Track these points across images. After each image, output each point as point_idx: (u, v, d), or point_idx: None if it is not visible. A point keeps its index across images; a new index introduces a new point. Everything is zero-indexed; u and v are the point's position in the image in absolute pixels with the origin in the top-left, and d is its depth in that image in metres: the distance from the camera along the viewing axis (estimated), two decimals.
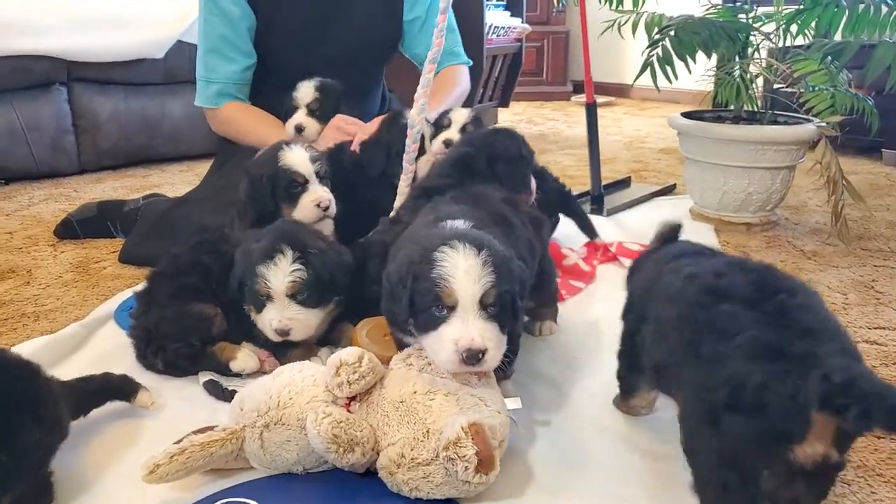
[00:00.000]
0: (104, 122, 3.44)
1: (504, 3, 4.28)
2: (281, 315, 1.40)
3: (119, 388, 1.33)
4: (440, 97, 2.21)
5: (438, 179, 1.66)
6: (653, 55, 2.40)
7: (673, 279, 1.11)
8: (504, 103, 4.70)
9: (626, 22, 2.56)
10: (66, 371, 1.53)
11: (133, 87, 3.52)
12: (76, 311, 1.87)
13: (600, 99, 6.05)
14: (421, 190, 1.66)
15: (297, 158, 1.70)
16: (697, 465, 0.99)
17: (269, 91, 2.26)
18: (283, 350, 1.49)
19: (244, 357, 1.46)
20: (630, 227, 2.58)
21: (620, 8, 2.61)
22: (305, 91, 2.14)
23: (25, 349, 1.51)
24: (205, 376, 1.46)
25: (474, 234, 1.17)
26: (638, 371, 1.23)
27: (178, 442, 1.11)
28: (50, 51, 3.14)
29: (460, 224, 1.24)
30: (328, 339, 1.57)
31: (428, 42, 2.38)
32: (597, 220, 2.58)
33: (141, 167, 3.63)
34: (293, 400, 1.16)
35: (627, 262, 2.09)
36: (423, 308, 1.13)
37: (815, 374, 0.84)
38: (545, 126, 5.00)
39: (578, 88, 6.67)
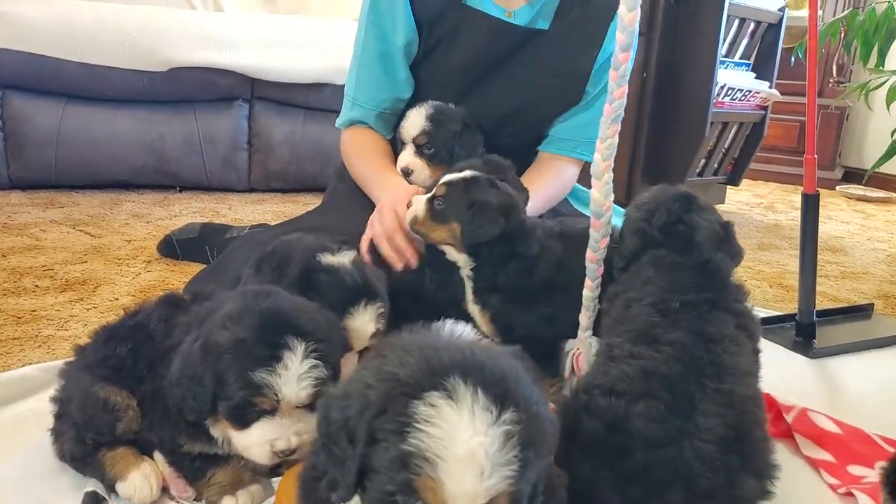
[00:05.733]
0: (277, 144, 3.38)
1: (749, 62, 3.48)
2: None
3: None
4: (536, 188, 1.64)
5: None
6: None
7: None
8: (734, 181, 3.87)
9: (877, 87, 1.74)
10: None
11: (312, 112, 3.43)
12: None
13: (876, 193, 4.85)
14: None
15: (364, 322, 1.23)
16: None
17: None
18: (203, 471, 1.07)
19: (136, 479, 1.05)
20: (841, 384, 1.70)
21: (881, 68, 1.79)
22: (413, 121, 1.70)
23: None
24: (92, 485, 1.08)
25: (495, 364, 0.67)
26: None
27: None
28: (234, 66, 3.13)
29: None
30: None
31: (575, 126, 1.85)
32: (795, 363, 1.80)
33: (308, 194, 3.52)
34: None
35: (807, 448, 1.34)
36: (380, 490, 0.64)
37: None
38: (786, 216, 4.03)
39: (850, 177, 5.45)
